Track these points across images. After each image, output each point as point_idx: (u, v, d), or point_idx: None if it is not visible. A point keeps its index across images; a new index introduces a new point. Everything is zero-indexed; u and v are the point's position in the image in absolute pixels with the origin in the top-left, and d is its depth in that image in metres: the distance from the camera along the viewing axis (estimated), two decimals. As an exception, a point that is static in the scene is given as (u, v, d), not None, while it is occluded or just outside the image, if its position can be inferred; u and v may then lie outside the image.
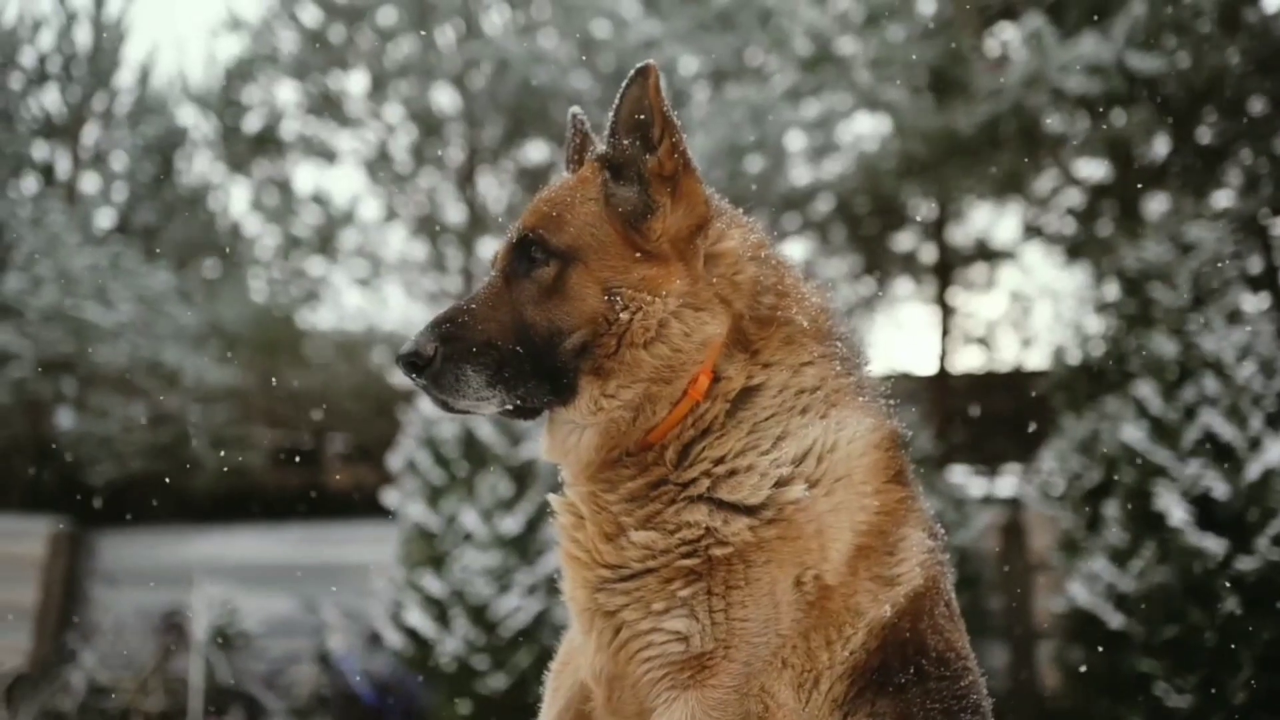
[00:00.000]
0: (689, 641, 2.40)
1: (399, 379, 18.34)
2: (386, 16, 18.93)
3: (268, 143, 19.91)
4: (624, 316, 2.49)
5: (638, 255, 2.55)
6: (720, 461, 2.49)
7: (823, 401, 2.58)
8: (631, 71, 2.58)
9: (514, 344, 2.50)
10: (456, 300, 2.64)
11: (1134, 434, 10.37)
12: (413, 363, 2.49)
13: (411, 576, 12.77)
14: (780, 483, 2.45)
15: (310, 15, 19.12)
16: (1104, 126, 13.46)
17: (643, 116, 2.60)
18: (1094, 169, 15.20)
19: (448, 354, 2.48)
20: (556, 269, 2.54)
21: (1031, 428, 14.24)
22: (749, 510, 2.43)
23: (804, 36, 13.96)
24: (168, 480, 18.46)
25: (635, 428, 2.52)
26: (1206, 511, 9.74)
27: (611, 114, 2.64)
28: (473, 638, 12.30)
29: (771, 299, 2.62)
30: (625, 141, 2.63)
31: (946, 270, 18.07)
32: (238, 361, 18.49)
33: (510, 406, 2.54)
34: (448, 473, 13.06)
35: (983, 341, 18.51)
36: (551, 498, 2.76)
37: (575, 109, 2.94)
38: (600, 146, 2.74)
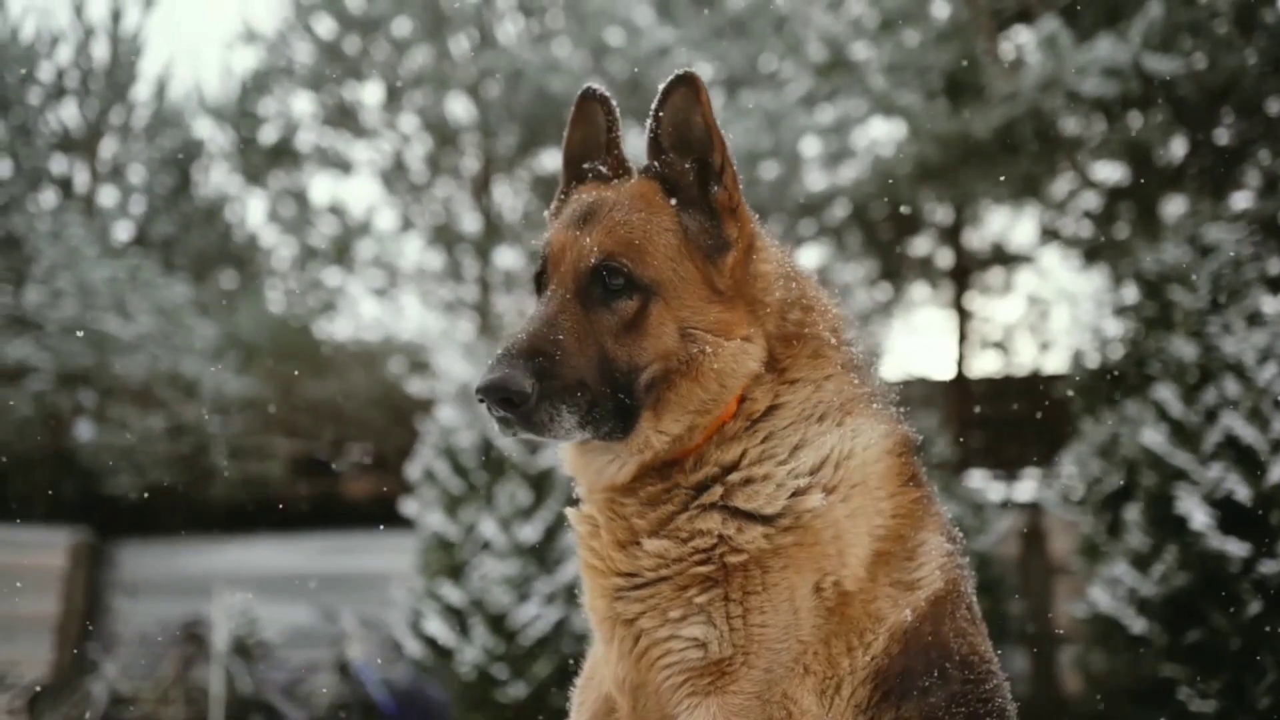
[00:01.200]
0: (707, 648, 2.40)
1: (416, 388, 18.38)
2: (401, 27, 18.98)
3: (284, 154, 19.98)
4: (695, 355, 2.47)
5: (712, 294, 2.53)
6: (733, 468, 2.49)
7: (839, 410, 2.58)
8: (671, 78, 2.54)
9: (602, 383, 2.43)
10: (532, 322, 2.48)
11: (1154, 437, 10.31)
12: (509, 400, 2.35)
13: (430, 585, 12.78)
14: (797, 493, 2.45)
15: (325, 27, 19.18)
16: (1121, 129, 13.42)
17: (693, 133, 2.57)
18: (1111, 171, 15.13)
19: (543, 392, 2.37)
20: (639, 304, 2.48)
21: (1050, 432, 14.19)
22: (765, 519, 2.43)
23: (818, 42, 13.96)
24: (187, 491, 18.55)
25: (668, 453, 2.52)
26: (1228, 515, 9.67)
27: (652, 123, 2.60)
28: (492, 646, 12.29)
29: (798, 314, 2.63)
30: (673, 157, 2.60)
31: (963, 275, 18.03)
32: (256, 372, 18.54)
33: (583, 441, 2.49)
34: (466, 482, 13.06)
35: (1000, 345, 18.47)
36: (569, 512, 2.74)
37: (595, 86, 2.78)
38: (640, 156, 2.69)
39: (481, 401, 2.38)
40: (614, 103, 2.74)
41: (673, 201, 2.59)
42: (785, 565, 2.41)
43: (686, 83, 2.52)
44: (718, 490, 2.47)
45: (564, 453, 2.69)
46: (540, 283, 2.64)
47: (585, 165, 2.81)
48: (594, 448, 2.56)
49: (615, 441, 2.49)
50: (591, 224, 2.55)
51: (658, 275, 2.49)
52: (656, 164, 2.63)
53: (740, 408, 2.53)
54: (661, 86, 2.55)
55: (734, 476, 2.48)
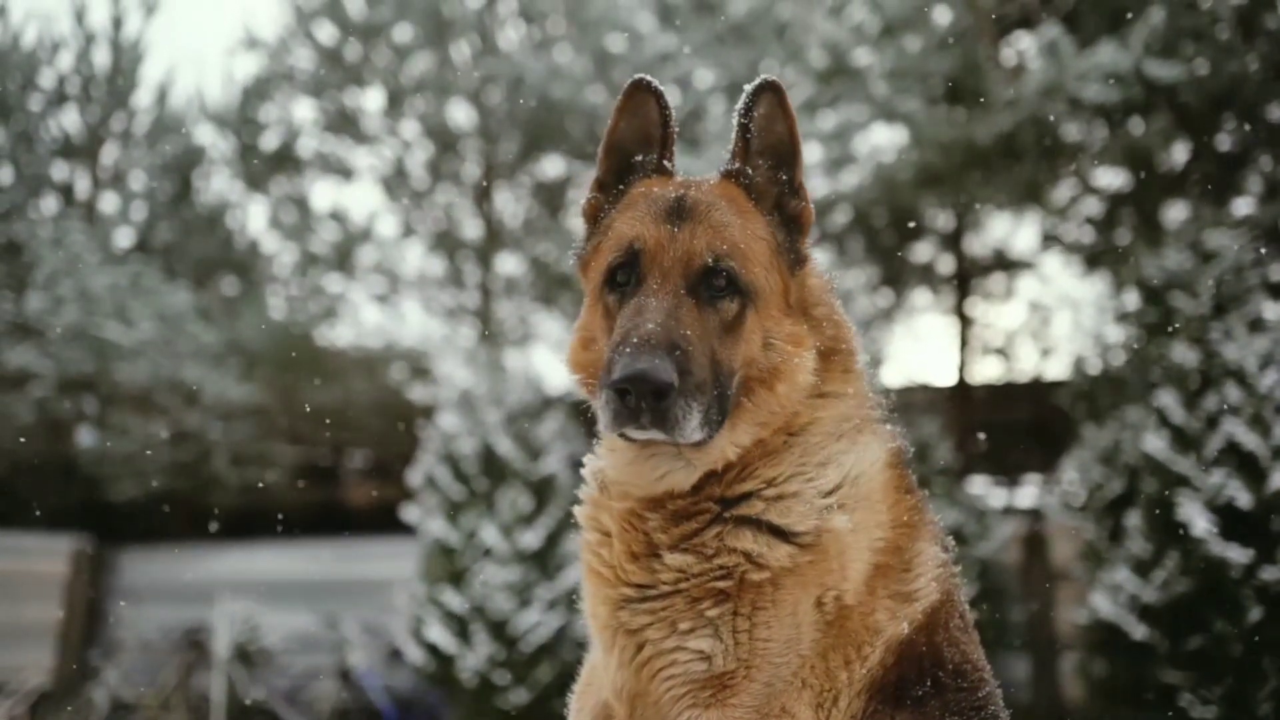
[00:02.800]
0: (712, 661, 2.40)
1: (418, 395, 18.37)
2: (402, 33, 18.98)
3: (285, 160, 19.97)
4: (777, 365, 2.47)
5: (786, 306, 2.55)
6: (772, 483, 2.48)
7: (854, 429, 2.60)
8: (757, 82, 2.55)
9: (713, 379, 2.38)
10: (656, 313, 2.38)
11: (1156, 444, 10.31)
12: (659, 392, 2.25)
13: (432, 592, 12.78)
14: (825, 512, 2.45)
15: (327, 33, 19.19)
16: (1122, 135, 13.41)
17: (778, 142, 2.59)
18: (1113, 178, 15.12)
19: (683, 388, 2.29)
20: (739, 307, 2.47)
21: (1052, 438, 14.17)
22: (794, 537, 2.43)
23: (820, 48, 13.96)
24: (189, 497, 18.54)
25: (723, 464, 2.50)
26: (1230, 521, 9.66)
27: (740, 126, 2.60)
28: (493, 653, 12.29)
29: (832, 329, 2.66)
30: (761, 163, 2.62)
31: (965, 281, 18.00)
32: (257, 379, 18.53)
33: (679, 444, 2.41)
34: (467, 488, 13.06)
35: (1002, 352, 18.42)
36: (578, 510, 2.73)
37: (648, 77, 2.68)
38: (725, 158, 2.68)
39: (621, 392, 2.27)
40: (667, 97, 2.69)
41: (762, 209, 2.61)
42: (794, 583, 2.41)
43: (774, 90, 2.54)
44: (758, 505, 2.47)
45: (615, 453, 2.61)
46: (621, 276, 2.55)
47: (639, 158, 2.73)
48: (657, 451, 2.50)
49: (696, 447, 2.42)
50: (692, 222, 2.51)
51: (755, 281, 2.49)
52: (746, 169, 2.63)
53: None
54: (747, 89, 2.55)
55: (770, 492, 2.48)
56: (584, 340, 2.68)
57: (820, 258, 2.86)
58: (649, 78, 2.66)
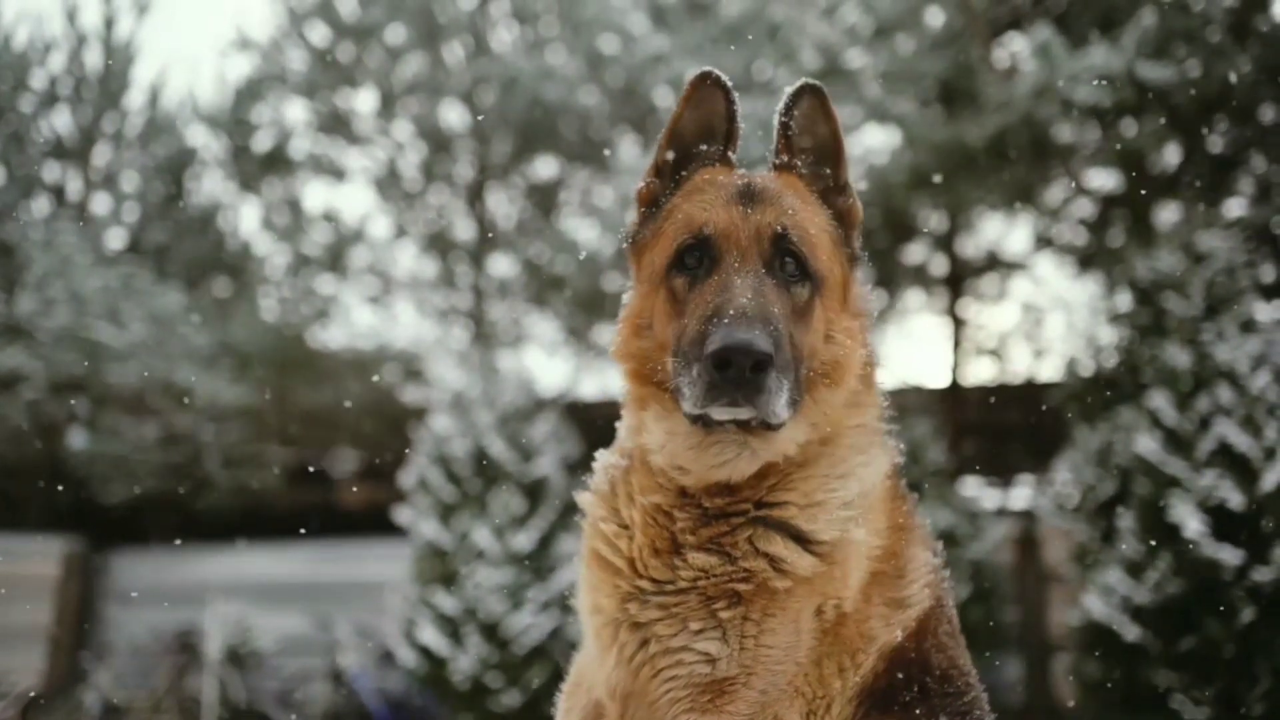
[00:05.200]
0: (716, 665, 2.38)
1: (410, 396, 18.36)
2: (395, 35, 18.96)
3: (277, 162, 19.92)
4: (840, 359, 2.47)
5: (844, 302, 2.57)
6: (806, 494, 2.48)
7: (869, 443, 2.60)
8: (799, 84, 2.58)
9: (794, 360, 2.36)
10: (745, 290, 2.35)
11: (1148, 445, 10.32)
12: (761, 363, 2.22)
13: (424, 594, 12.77)
14: (846, 519, 2.46)
15: (319, 34, 19.17)
16: (1114, 136, 13.43)
17: (821, 141, 2.63)
18: (1105, 179, 15.14)
19: (778, 362, 2.26)
20: (809, 293, 2.46)
21: (1045, 439, 14.18)
22: (817, 545, 2.42)
23: (813, 50, 13.94)
24: (180, 499, 18.50)
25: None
26: (1222, 522, 9.67)
27: (782, 124, 2.63)
28: (486, 655, 12.29)
29: (866, 337, 2.67)
30: (809, 159, 2.65)
31: (957, 282, 18.01)
32: (249, 380, 18.49)
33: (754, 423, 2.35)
34: (460, 490, 13.05)
35: (995, 353, 18.43)
36: (584, 498, 2.72)
37: (716, 70, 2.67)
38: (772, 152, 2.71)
39: (721, 365, 2.21)
40: (735, 93, 2.69)
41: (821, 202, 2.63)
42: (807, 591, 2.42)
43: (816, 92, 2.57)
44: (791, 510, 2.46)
45: (676, 438, 2.50)
46: (691, 259, 2.51)
47: (702, 148, 2.72)
48: (721, 439, 2.43)
49: (764, 436, 2.40)
50: (763, 204, 2.50)
51: (822, 270, 2.50)
52: (796, 161, 2.64)
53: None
54: (789, 90, 2.59)
55: (804, 501, 2.47)
56: (636, 327, 2.62)
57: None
58: (716, 71, 2.65)
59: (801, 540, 2.42)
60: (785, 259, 2.45)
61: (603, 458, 2.77)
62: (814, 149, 2.64)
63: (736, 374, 2.20)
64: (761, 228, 2.46)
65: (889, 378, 2.85)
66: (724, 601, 2.40)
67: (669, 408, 2.48)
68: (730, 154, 2.70)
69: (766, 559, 2.41)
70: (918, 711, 2.47)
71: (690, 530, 2.47)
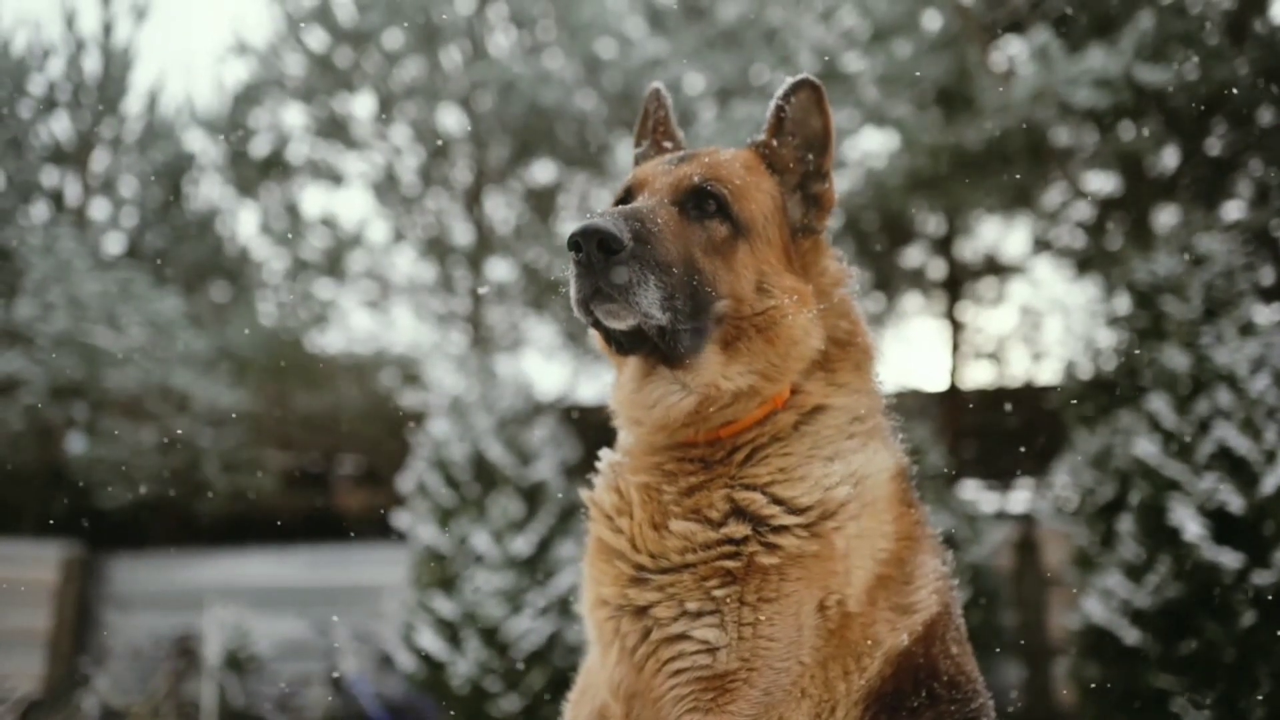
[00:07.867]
0: (716, 654, 2.39)
1: (408, 401, 18.35)
2: (393, 39, 18.96)
3: (275, 166, 19.92)
4: (770, 311, 2.53)
5: (789, 264, 2.63)
6: (784, 470, 2.52)
7: (865, 433, 2.64)
8: (798, 78, 2.71)
9: (686, 280, 2.43)
10: (639, 205, 2.53)
11: (1147, 448, 10.30)
12: (606, 244, 2.31)
13: (423, 598, 12.75)
14: (829, 488, 2.48)
15: (317, 39, 19.17)
16: (1112, 139, 13.43)
17: (811, 132, 2.73)
18: (1103, 182, 15.15)
19: (635, 252, 2.34)
20: (729, 232, 2.55)
21: (1043, 443, 14.18)
22: (799, 511, 2.46)
23: (810, 53, 13.94)
24: (179, 504, 18.50)
25: (723, 413, 2.55)
26: (1222, 525, 9.66)
27: (776, 109, 2.74)
28: (485, 659, 12.27)
29: (847, 324, 2.74)
30: (789, 141, 2.74)
31: (956, 285, 18.04)
32: (247, 385, 18.50)
33: (652, 337, 2.44)
34: (458, 494, 13.04)
35: (993, 356, 18.46)
36: (588, 493, 2.78)
37: (659, 85, 2.99)
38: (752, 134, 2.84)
39: (575, 251, 2.33)
40: (667, 96, 2.99)
41: (776, 176, 2.73)
42: (800, 576, 2.42)
43: (812, 87, 2.69)
44: (766, 479, 2.51)
45: (620, 387, 2.69)
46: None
47: (668, 145, 3.00)
48: (657, 377, 2.55)
49: (679, 365, 2.50)
50: (689, 163, 2.66)
51: (749, 219, 2.59)
52: (771, 142, 2.76)
53: (791, 399, 2.60)
54: (789, 81, 2.70)
55: (780, 475, 2.52)
56: None
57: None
58: (659, 86, 3.02)
59: (780, 503, 2.47)
60: (704, 201, 2.56)
61: (607, 455, 2.86)
62: (804, 137, 2.74)
63: (587, 258, 2.31)
64: (681, 178, 2.60)
65: (887, 380, 2.88)
66: (716, 580, 2.42)
67: (617, 360, 2.68)
68: (667, 143, 2.97)
69: (749, 523, 2.45)
70: (926, 717, 2.49)
71: (675, 502, 2.54)
